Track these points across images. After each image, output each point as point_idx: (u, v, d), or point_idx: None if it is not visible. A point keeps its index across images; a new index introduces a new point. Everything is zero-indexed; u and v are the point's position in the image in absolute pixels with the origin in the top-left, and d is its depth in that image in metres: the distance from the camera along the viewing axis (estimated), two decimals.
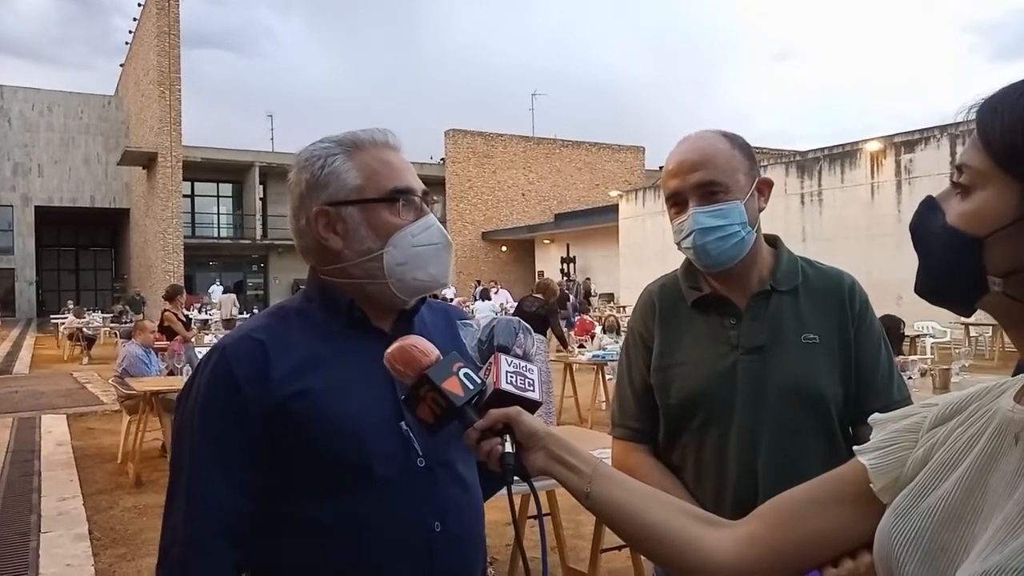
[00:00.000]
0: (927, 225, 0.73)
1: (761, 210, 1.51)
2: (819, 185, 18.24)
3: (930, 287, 0.75)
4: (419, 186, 1.26)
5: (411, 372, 0.98)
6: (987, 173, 0.68)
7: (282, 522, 1.16)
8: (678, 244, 1.50)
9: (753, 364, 1.46)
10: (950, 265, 0.71)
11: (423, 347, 1.00)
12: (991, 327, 12.20)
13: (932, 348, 10.99)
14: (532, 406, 1.00)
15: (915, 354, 10.70)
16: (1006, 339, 12.41)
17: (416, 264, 1.22)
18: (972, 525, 0.70)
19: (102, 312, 23.05)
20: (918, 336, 10.89)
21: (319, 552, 1.15)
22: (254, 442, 1.15)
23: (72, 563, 4.39)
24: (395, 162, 1.26)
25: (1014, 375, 0.86)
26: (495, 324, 1.08)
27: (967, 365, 5.86)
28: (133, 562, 4.38)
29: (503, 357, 1.02)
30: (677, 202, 1.49)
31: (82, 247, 37.19)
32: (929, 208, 0.74)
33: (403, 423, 1.17)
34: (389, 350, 1.00)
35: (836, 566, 0.88)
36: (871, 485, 0.81)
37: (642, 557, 3.21)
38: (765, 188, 1.52)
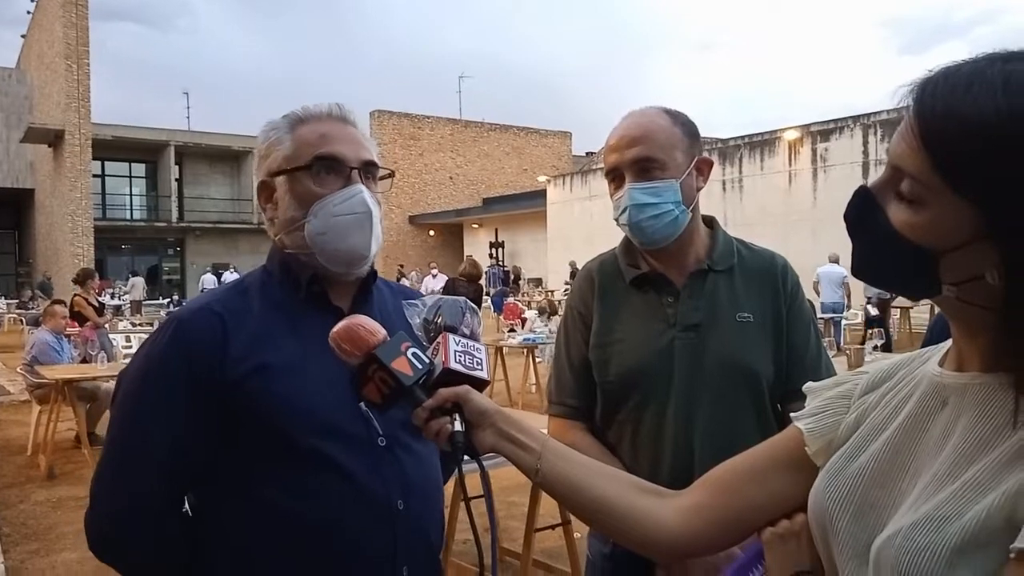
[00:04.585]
0: (868, 224, 0.72)
1: (699, 189, 1.53)
2: (740, 172, 18.78)
3: (880, 284, 0.79)
4: (356, 156, 1.22)
5: (358, 352, 0.96)
6: (935, 190, 0.67)
7: (242, 504, 1.14)
8: (616, 220, 1.51)
9: (690, 342, 1.48)
10: (902, 271, 0.72)
11: (370, 326, 0.98)
12: (899, 310, 12.84)
13: (844, 330, 11.50)
14: (480, 385, 1.00)
15: (828, 336, 11.16)
16: (913, 321, 13.20)
17: (336, 234, 1.19)
18: (900, 482, 0.74)
19: (5, 298, 21.82)
20: (830, 319, 11.35)
21: (281, 534, 1.13)
22: (202, 415, 1.13)
23: None
24: (333, 133, 1.22)
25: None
26: (441, 304, 1.07)
27: (879, 346, 6.16)
28: (47, 557, 4.18)
29: (451, 337, 1.01)
30: (615, 177, 1.50)
31: None
32: (866, 201, 0.73)
33: (362, 402, 1.16)
34: (334, 329, 0.98)
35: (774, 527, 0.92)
36: (806, 448, 0.85)
37: (575, 536, 3.27)
38: (705, 167, 1.53)
